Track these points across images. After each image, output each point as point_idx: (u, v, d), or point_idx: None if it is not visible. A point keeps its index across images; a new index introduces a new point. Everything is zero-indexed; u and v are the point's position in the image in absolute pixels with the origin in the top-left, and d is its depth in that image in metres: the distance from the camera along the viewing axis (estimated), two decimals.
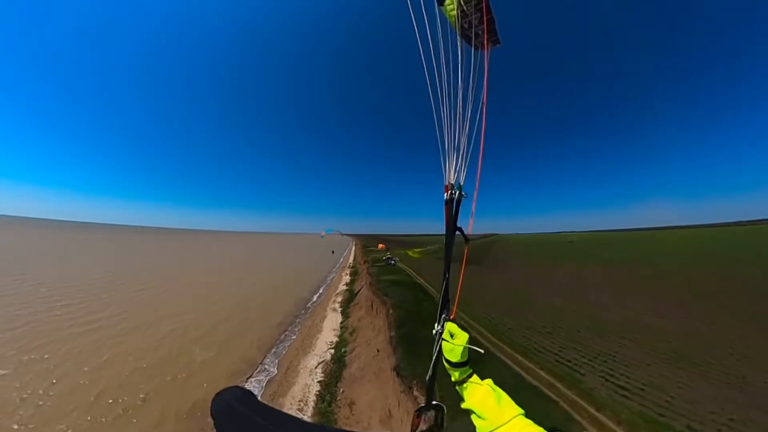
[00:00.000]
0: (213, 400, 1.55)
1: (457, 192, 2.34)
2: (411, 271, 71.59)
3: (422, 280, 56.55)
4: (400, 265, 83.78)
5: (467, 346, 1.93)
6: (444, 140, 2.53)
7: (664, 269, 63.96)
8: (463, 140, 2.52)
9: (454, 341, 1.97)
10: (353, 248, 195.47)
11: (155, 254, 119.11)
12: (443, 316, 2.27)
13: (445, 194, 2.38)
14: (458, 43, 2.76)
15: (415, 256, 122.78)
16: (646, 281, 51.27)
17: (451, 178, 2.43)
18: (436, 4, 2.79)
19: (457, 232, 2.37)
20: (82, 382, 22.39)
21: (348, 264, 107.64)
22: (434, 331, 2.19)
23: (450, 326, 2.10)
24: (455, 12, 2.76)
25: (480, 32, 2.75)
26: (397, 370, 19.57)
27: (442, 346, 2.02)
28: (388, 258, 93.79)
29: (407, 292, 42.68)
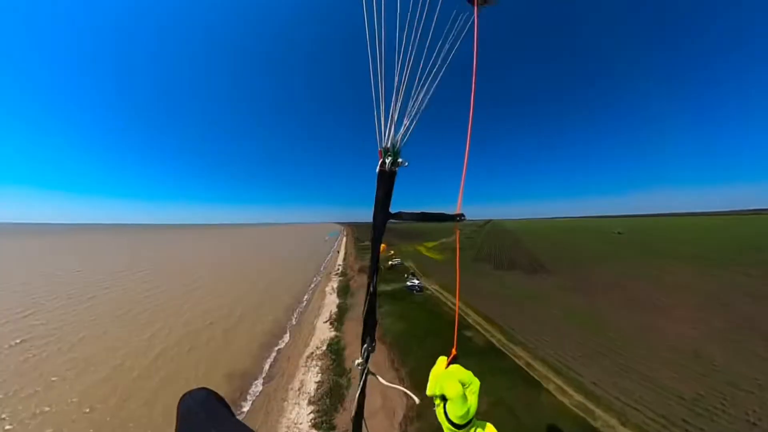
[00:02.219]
0: (181, 400, 1.32)
1: (390, 159, 1.35)
2: (441, 291, 42.43)
3: (482, 321, 30.57)
4: (419, 279, 52.72)
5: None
6: (379, 81, 1.36)
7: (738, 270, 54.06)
8: (410, 83, 1.39)
9: (466, 391, 1.28)
10: (343, 240, 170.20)
11: (142, 260, 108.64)
12: (365, 346, 1.58)
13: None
14: None
15: (434, 256, 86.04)
16: (744, 289, 41.52)
17: (387, 139, 1.38)
18: None
19: (392, 219, 1.44)
20: None
21: (330, 280, 64.85)
22: (356, 363, 1.59)
23: (455, 371, 1.37)
24: None
25: None
26: None
27: (448, 401, 1.29)
28: (407, 275, 56.83)
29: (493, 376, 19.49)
